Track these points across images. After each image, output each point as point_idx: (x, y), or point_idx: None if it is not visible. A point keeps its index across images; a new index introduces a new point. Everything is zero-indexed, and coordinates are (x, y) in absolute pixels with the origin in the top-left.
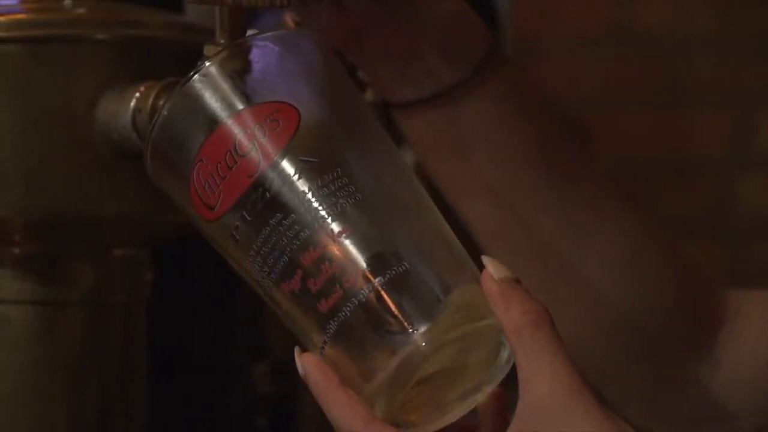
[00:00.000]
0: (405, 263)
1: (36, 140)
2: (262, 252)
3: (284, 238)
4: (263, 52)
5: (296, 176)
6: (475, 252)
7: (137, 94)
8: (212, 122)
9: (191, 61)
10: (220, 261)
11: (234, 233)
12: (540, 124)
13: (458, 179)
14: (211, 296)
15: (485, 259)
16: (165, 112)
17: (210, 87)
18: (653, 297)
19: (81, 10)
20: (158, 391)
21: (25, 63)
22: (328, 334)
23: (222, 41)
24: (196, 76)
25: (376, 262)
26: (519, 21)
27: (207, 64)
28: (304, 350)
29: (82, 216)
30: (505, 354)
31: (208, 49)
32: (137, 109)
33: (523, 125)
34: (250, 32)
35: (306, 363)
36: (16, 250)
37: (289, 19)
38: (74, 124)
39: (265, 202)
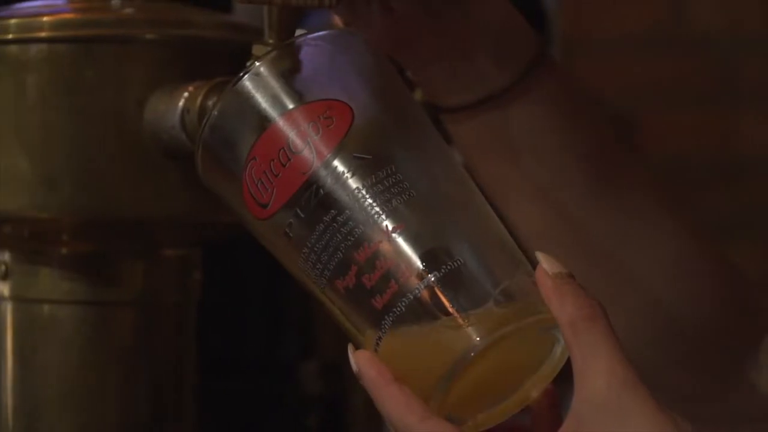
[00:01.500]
0: (459, 259)
1: (85, 140)
2: (315, 249)
3: (338, 235)
4: (315, 51)
5: (350, 173)
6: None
7: (186, 94)
8: (264, 121)
9: (240, 60)
10: (271, 260)
11: (287, 230)
12: (588, 127)
13: (507, 182)
14: (261, 296)
15: (539, 255)
16: (216, 112)
17: (261, 86)
18: (701, 297)
19: (129, 10)
20: (209, 390)
21: (73, 63)
22: (383, 330)
23: (270, 41)
24: (246, 75)
25: (430, 258)
26: (568, 21)
27: (257, 63)
28: (356, 348)
29: (131, 216)
30: (558, 349)
31: (256, 49)
32: (186, 109)
33: (571, 129)
34: (299, 32)
35: (360, 360)
36: (65, 251)
37: (337, 19)
38: (123, 124)
39: (319, 199)
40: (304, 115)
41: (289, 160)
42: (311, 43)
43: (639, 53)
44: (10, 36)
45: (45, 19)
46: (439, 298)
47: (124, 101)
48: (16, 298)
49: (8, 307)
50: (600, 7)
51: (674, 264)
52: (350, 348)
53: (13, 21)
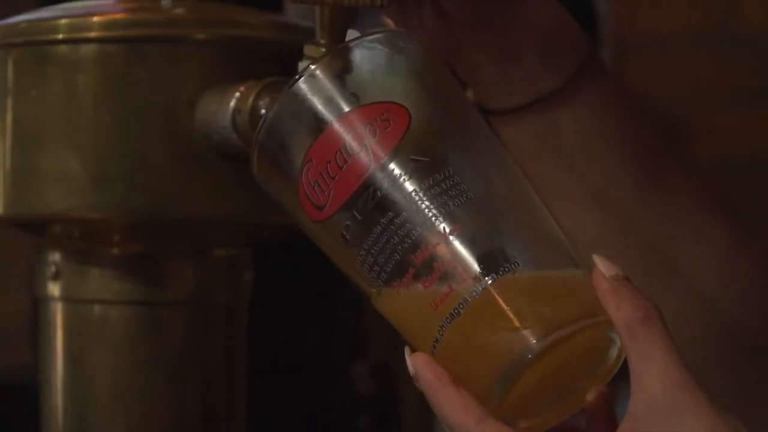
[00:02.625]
0: (516, 261)
1: (136, 140)
2: (372, 251)
3: (395, 237)
4: (371, 53)
5: (407, 176)
6: None
7: (237, 94)
8: (321, 123)
9: (291, 61)
10: (323, 261)
11: (344, 233)
12: (637, 129)
13: (556, 185)
14: (312, 296)
15: (596, 258)
16: (272, 114)
17: (317, 88)
18: (749, 298)
19: (180, 10)
20: (259, 391)
21: (124, 63)
22: (441, 333)
23: (322, 41)
24: (302, 77)
25: (487, 261)
26: (620, 20)
27: (313, 66)
28: (413, 351)
29: (182, 216)
30: (614, 352)
31: (308, 49)
32: (237, 109)
33: (620, 131)
34: (351, 32)
35: (416, 362)
36: (116, 251)
37: (388, 20)
38: (174, 124)
39: (376, 202)
40: (360, 117)
41: (346, 162)
42: (367, 45)
43: (690, 53)
44: (60, 36)
45: (95, 19)
46: (496, 301)
47: (175, 101)
48: (67, 299)
49: (58, 308)
50: (651, 7)
51: (722, 265)
52: (407, 351)
53: (62, 21)
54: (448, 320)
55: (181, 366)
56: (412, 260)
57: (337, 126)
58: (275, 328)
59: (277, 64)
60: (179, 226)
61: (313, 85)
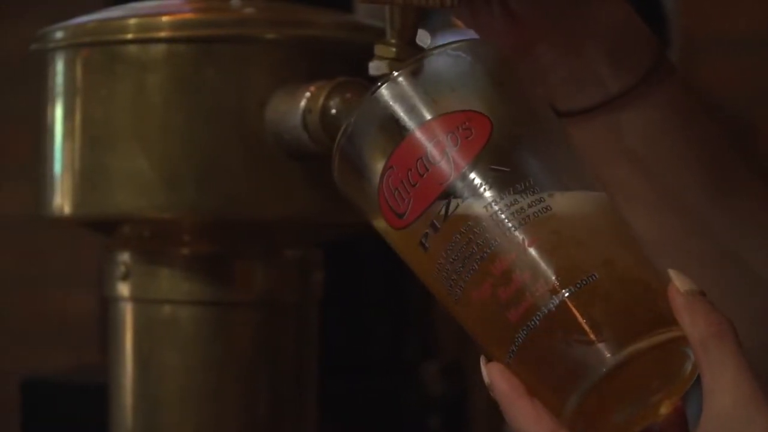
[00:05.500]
0: (594, 274)
1: (207, 140)
2: (451, 260)
3: (474, 247)
4: (453, 61)
5: (487, 185)
6: None
7: (307, 94)
8: (402, 130)
9: (361, 61)
10: (393, 261)
11: (423, 241)
12: (704, 131)
13: (628, 186)
14: (382, 296)
15: (671, 272)
16: (353, 120)
17: (399, 95)
18: None
19: (249, 10)
20: (330, 390)
21: (194, 63)
22: (516, 343)
23: (392, 41)
24: (385, 84)
25: (566, 272)
26: (688, 21)
27: (396, 72)
28: (488, 359)
29: (253, 217)
30: (689, 366)
31: (378, 49)
32: (307, 109)
33: (687, 133)
34: (421, 32)
35: (492, 372)
36: (186, 251)
37: (458, 21)
38: (245, 125)
39: (455, 211)
40: (442, 125)
41: (427, 170)
42: (450, 53)
43: (758, 53)
44: (130, 36)
45: (164, 18)
46: (573, 313)
47: (245, 101)
48: (136, 299)
49: (128, 308)
50: (719, 8)
51: None
52: (482, 360)
53: (131, 21)
54: (525, 331)
55: (251, 366)
56: (491, 270)
57: (418, 134)
58: (345, 327)
59: (347, 64)
60: (249, 226)
61: (396, 92)
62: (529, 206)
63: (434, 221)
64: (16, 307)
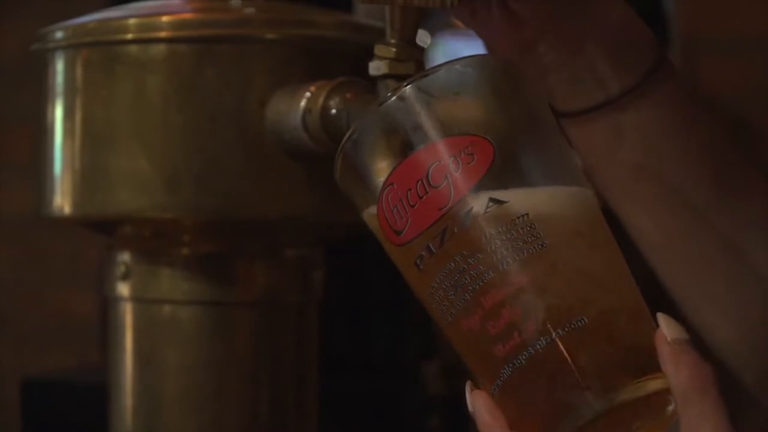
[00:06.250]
0: (584, 318)
1: (207, 140)
2: (443, 286)
3: (467, 277)
4: (461, 79)
5: (486, 215)
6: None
7: (307, 95)
8: (406, 148)
9: (361, 60)
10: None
11: (418, 262)
12: (704, 131)
13: (629, 185)
14: (383, 296)
15: (660, 318)
16: (359, 127)
17: (406, 111)
18: None
19: (249, 10)
20: (330, 390)
21: (194, 63)
22: (501, 378)
23: (392, 41)
24: (393, 97)
25: (556, 314)
26: (687, 22)
27: (406, 86)
28: (475, 384)
29: (253, 216)
30: (671, 408)
31: (378, 49)
32: (307, 109)
33: (688, 133)
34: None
35: (476, 402)
36: (186, 251)
37: (457, 21)
38: (245, 125)
39: (452, 238)
40: (446, 148)
41: (427, 193)
42: (459, 69)
43: (757, 54)
44: (130, 36)
45: (164, 18)
46: (561, 356)
47: (245, 101)
48: (136, 299)
49: (128, 308)
50: (718, 9)
51: None
52: (468, 386)
53: (132, 21)
54: (511, 367)
55: (251, 366)
56: (482, 302)
57: (421, 154)
58: (346, 327)
59: (347, 64)
60: (249, 226)
61: (402, 108)
62: (525, 242)
63: (430, 245)
64: (16, 307)
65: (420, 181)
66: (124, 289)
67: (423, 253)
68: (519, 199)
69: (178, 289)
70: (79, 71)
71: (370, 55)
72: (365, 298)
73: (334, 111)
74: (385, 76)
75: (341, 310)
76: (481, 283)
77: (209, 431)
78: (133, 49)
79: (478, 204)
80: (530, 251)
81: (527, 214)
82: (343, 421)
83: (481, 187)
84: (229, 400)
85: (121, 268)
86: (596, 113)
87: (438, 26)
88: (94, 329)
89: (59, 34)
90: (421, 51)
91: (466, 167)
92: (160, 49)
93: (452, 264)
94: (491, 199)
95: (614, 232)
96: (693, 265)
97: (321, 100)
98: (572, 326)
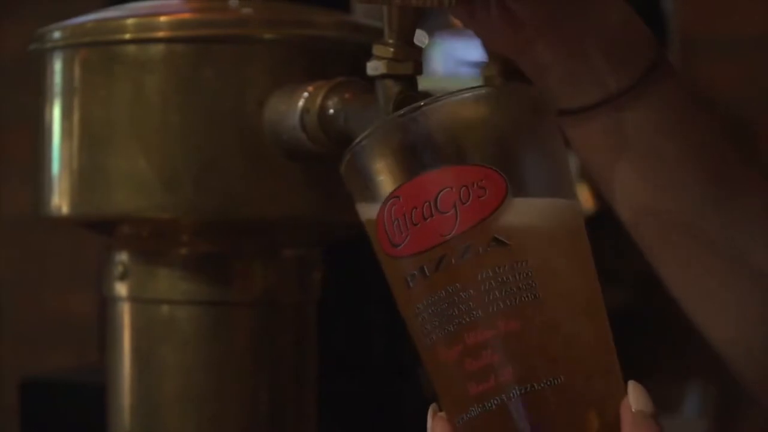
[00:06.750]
0: (560, 377)
1: (206, 140)
2: (429, 311)
3: (455, 309)
4: (478, 107)
5: (485, 254)
6: None
7: (306, 94)
8: (417, 166)
9: (360, 60)
10: None
11: (408, 279)
12: (703, 131)
13: (626, 184)
14: (381, 296)
15: (630, 386)
16: (373, 134)
17: (422, 131)
18: None
19: (248, 10)
20: (329, 390)
21: (192, 63)
22: (468, 415)
23: (390, 41)
24: (413, 113)
25: (533, 368)
26: (686, 22)
27: (424, 106)
28: (439, 408)
29: (251, 216)
30: None
31: (377, 49)
32: (305, 110)
33: (686, 132)
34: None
35: (437, 429)
36: (184, 251)
37: (456, 21)
38: (244, 125)
39: (449, 268)
40: (459, 176)
41: (432, 216)
42: (478, 96)
43: (756, 55)
44: (128, 36)
45: (162, 18)
46: (530, 411)
47: (244, 101)
48: (134, 299)
49: (126, 308)
50: (717, 9)
51: None
52: (431, 410)
53: (130, 21)
54: (480, 408)
55: (250, 366)
56: (465, 338)
57: (433, 176)
58: (345, 327)
59: (346, 64)
60: (248, 226)
61: (420, 125)
62: (519, 289)
63: (425, 267)
64: (16, 307)
65: (426, 203)
66: (122, 289)
67: (416, 272)
68: (521, 243)
69: (177, 289)
70: (77, 71)
71: (369, 55)
72: (365, 298)
73: (332, 111)
74: (383, 76)
75: (340, 310)
76: (467, 319)
77: (208, 431)
78: (132, 49)
79: (481, 241)
80: (523, 299)
81: (527, 260)
82: (342, 421)
83: (487, 224)
84: (227, 400)
85: (120, 268)
86: (595, 112)
87: (436, 26)
88: (94, 329)
89: (57, 34)
90: (420, 51)
91: (476, 200)
92: (159, 49)
93: (443, 293)
94: (494, 239)
95: (614, 229)
96: (692, 265)
97: (319, 100)
98: (548, 383)
